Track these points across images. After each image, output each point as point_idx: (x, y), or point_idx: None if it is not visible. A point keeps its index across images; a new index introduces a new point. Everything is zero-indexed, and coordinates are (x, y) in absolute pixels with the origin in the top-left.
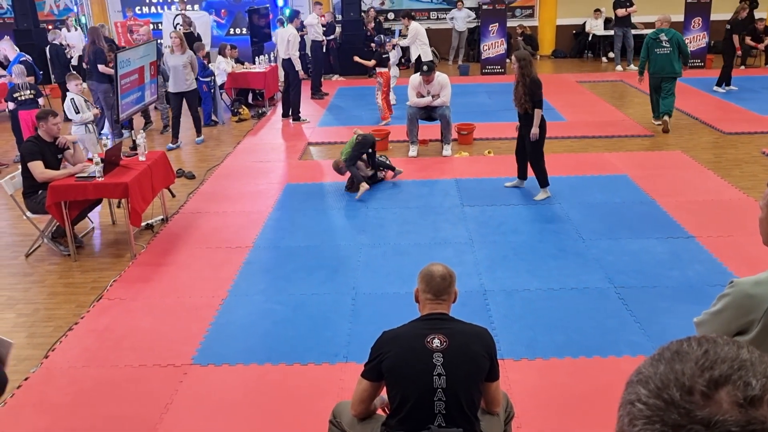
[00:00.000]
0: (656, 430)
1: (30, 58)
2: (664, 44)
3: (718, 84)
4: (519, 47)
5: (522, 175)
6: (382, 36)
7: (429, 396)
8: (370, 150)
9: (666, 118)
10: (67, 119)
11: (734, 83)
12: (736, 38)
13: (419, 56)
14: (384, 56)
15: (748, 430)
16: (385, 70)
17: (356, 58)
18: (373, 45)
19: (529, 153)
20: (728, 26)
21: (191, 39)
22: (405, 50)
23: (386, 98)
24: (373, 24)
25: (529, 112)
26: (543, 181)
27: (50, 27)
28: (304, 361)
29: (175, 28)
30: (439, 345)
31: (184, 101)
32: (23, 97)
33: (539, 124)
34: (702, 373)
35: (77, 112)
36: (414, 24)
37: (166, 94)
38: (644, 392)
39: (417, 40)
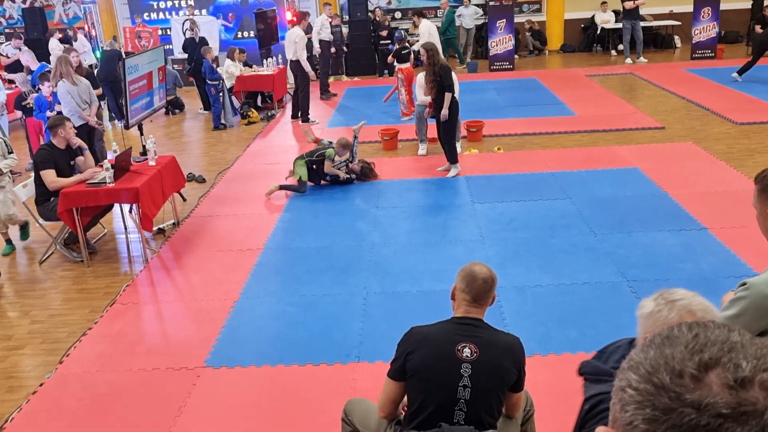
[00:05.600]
0: (647, 414)
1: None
2: (457, 17)
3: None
4: (528, 43)
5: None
6: (402, 31)
7: (450, 406)
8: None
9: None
10: None
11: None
12: None
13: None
14: (404, 52)
15: (739, 411)
16: (407, 65)
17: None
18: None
19: (442, 132)
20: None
21: (195, 43)
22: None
23: (409, 94)
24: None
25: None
26: (452, 158)
27: (61, 36)
28: (316, 362)
29: (183, 33)
30: (469, 355)
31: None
32: (30, 105)
33: (450, 106)
34: (692, 356)
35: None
36: (425, 22)
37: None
38: (635, 378)
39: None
